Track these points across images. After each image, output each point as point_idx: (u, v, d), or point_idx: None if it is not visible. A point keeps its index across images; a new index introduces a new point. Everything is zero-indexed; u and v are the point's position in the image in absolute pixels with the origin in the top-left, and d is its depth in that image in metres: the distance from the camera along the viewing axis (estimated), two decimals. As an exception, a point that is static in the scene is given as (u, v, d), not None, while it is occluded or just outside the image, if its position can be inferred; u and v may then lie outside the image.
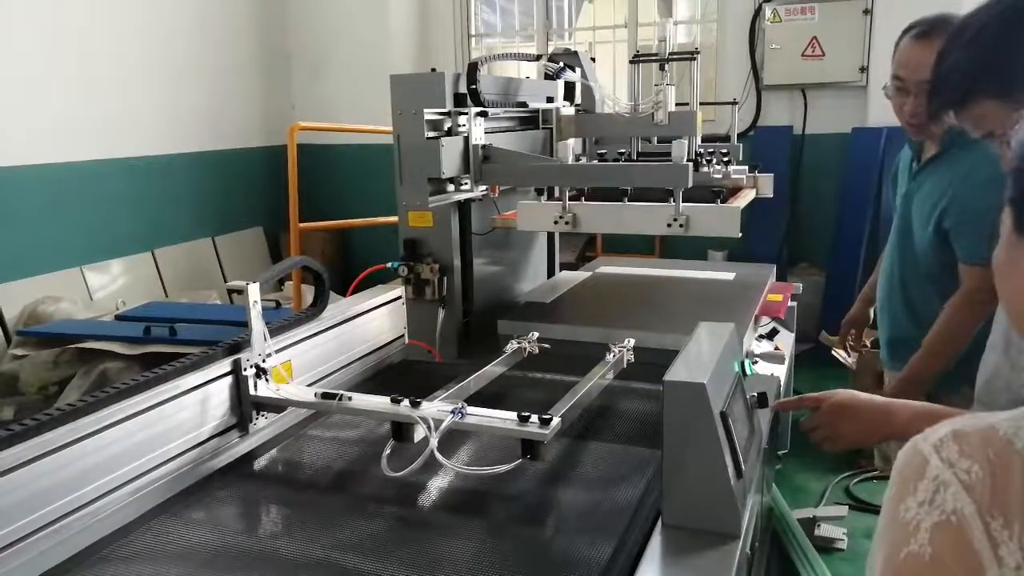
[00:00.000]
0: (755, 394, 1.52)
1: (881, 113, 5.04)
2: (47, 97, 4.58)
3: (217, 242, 5.79)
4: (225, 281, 5.44)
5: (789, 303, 2.86)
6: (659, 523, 1.31)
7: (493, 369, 1.90)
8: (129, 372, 3.17)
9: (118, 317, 3.89)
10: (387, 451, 1.49)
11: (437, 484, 1.55)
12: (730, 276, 2.98)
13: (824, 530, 3.07)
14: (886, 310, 2.40)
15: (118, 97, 5.00)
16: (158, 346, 3.25)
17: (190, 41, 5.52)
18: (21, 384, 3.65)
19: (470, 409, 1.51)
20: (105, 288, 4.89)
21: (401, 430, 1.52)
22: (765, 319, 2.70)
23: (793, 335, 2.93)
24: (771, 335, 2.69)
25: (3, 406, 3.81)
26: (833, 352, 3.69)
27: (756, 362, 2.36)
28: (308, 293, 3.30)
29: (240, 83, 5.99)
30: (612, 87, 5.53)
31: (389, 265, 2.42)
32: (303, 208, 4.12)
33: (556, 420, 1.44)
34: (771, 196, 2.83)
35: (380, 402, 1.58)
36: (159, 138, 5.32)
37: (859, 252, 5.12)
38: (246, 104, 6.05)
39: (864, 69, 5.20)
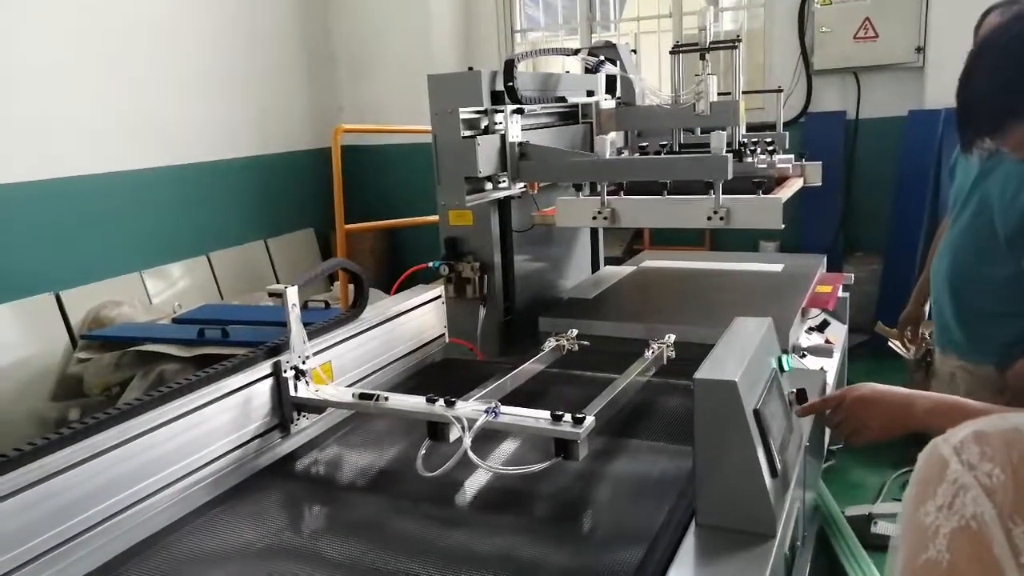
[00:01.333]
0: (794, 390, 1.48)
1: (939, 94, 4.86)
2: (106, 109, 4.73)
3: (269, 244, 5.92)
4: (277, 282, 5.55)
5: (840, 294, 2.79)
6: (693, 522, 1.29)
7: (531, 367, 1.89)
8: (184, 373, 3.25)
9: (174, 320, 4.00)
10: (423, 451, 1.50)
11: (472, 483, 1.55)
12: (778, 268, 2.92)
13: (881, 528, 2.98)
14: (951, 288, 2.31)
15: (173, 106, 5.14)
16: (211, 348, 3.33)
17: (239, 50, 5.64)
18: (85, 386, 3.79)
19: (504, 408, 1.51)
20: (163, 292, 5.04)
21: (437, 430, 1.52)
22: (815, 311, 2.63)
23: (846, 327, 2.86)
24: (822, 327, 2.63)
25: (70, 407, 3.97)
26: (890, 343, 3.58)
27: (804, 355, 2.31)
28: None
29: (288, 87, 6.10)
30: (658, 78, 5.46)
31: (431, 264, 2.44)
32: (354, 208, 4.18)
33: (590, 419, 1.43)
34: (819, 184, 2.75)
35: (416, 402, 1.59)
36: (212, 144, 5.45)
37: (917, 239, 4.95)
38: (294, 108, 6.16)
39: (920, 49, 5.02)
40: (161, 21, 5.06)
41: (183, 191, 5.25)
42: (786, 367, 1.49)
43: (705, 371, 1.28)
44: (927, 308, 2.74)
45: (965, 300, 2.26)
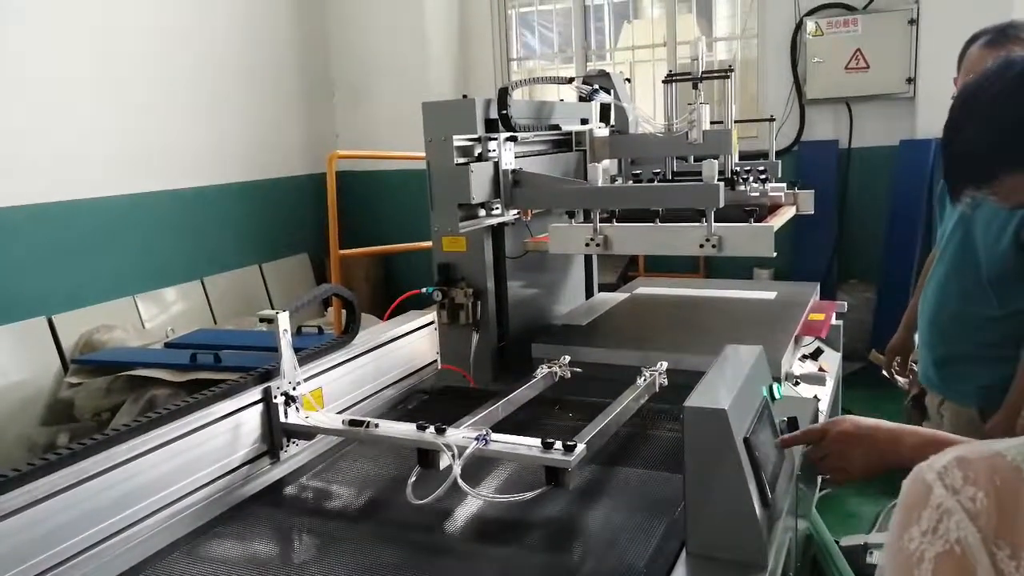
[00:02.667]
0: (785, 418, 1.48)
1: (930, 124, 4.91)
2: (100, 133, 4.75)
3: (264, 269, 5.91)
4: (272, 307, 5.54)
5: (833, 322, 2.79)
6: (683, 552, 1.28)
7: (523, 394, 1.89)
8: (175, 398, 3.24)
9: (167, 345, 3.99)
10: (412, 478, 1.49)
11: (463, 511, 1.54)
12: (771, 295, 2.92)
13: (876, 558, 2.95)
14: (934, 328, 2.27)
15: (168, 130, 5.16)
16: (203, 373, 3.32)
17: (237, 75, 5.69)
18: (76, 411, 3.77)
19: (494, 436, 1.50)
20: (157, 316, 5.03)
21: (427, 457, 1.51)
22: (808, 338, 2.64)
23: (840, 354, 2.85)
24: (815, 355, 2.62)
25: (60, 432, 3.93)
26: (884, 371, 3.57)
27: (797, 383, 2.30)
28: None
29: (285, 113, 6.14)
30: (652, 107, 5.51)
31: (424, 290, 2.44)
32: (350, 234, 4.19)
33: (580, 447, 1.43)
34: (812, 213, 2.77)
35: (406, 429, 1.58)
36: (207, 169, 5.47)
37: (911, 267, 4.97)
38: (291, 133, 6.19)
39: (911, 80, 5.08)
40: (158, 47, 5.10)
41: (178, 215, 5.26)
42: (777, 395, 1.49)
43: (695, 399, 1.27)
44: (917, 337, 2.72)
45: (948, 343, 2.21)
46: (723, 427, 1.21)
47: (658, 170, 2.70)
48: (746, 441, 1.24)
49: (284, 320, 1.70)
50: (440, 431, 1.53)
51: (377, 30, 6.33)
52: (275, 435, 1.72)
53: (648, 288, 3.17)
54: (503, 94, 2.24)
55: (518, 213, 2.39)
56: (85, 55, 4.67)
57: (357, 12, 6.37)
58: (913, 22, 5.01)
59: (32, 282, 4.39)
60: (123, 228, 4.91)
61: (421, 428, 1.55)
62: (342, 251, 4.14)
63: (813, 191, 2.72)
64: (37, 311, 4.38)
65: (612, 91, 2.80)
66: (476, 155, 2.22)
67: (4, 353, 4.19)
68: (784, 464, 1.43)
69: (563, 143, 2.74)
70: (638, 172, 2.85)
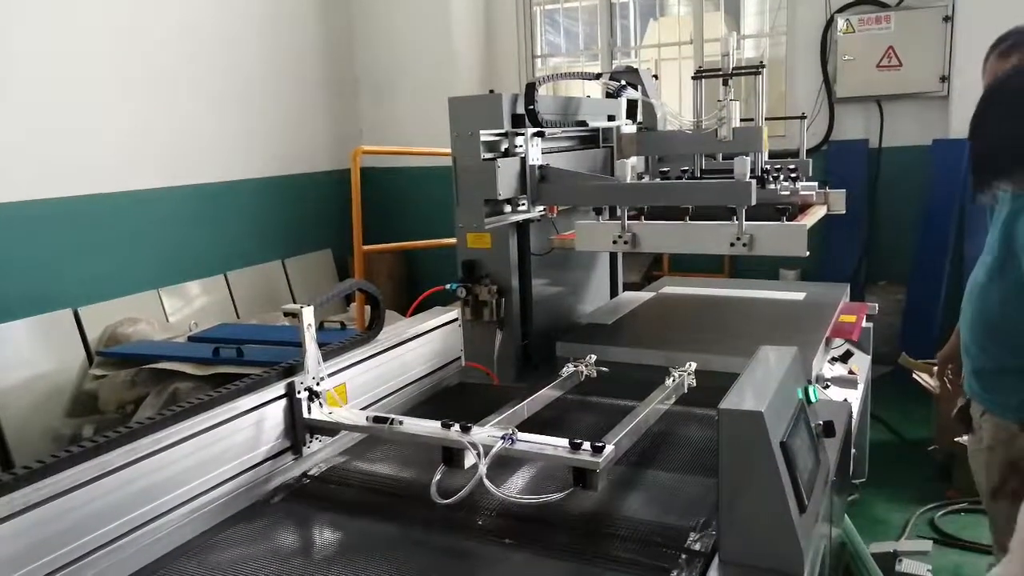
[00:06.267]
0: (821, 422, 1.44)
1: (964, 124, 4.79)
2: (126, 128, 4.78)
3: (287, 264, 5.92)
4: (294, 302, 5.56)
5: (864, 324, 2.74)
6: (716, 558, 1.24)
7: (548, 393, 1.86)
8: (198, 392, 3.23)
9: (190, 338, 4.00)
10: (437, 477, 1.46)
11: (488, 511, 1.51)
12: (800, 296, 2.87)
13: (906, 566, 2.89)
14: (975, 337, 2.16)
15: (193, 126, 5.18)
16: (226, 367, 3.32)
17: (263, 71, 5.70)
18: (101, 403, 3.78)
19: (520, 435, 1.47)
20: (181, 310, 5.06)
21: (452, 455, 1.49)
22: (838, 341, 2.58)
23: (870, 358, 2.80)
24: (845, 358, 2.57)
25: (85, 424, 3.96)
26: (915, 375, 3.50)
27: (828, 387, 2.26)
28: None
29: (309, 110, 6.14)
30: (678, 104, 5.46)
31: (448, 287, 2.42)
32: (372, 230, 4.17)
33: (610, 448, 1.39)
34: (843, 212, 2.71)
35: (431, 427, 1.56)
36: (232, 164, 5.49)
37: (942, 269, 4.88)
38: (315, 130, 6.20)
39: (945, 78, 4.98)
40: (184, 43, 5.12)
41: (202, 210, 5.28)
42: (813, 398, 1.44)
43: (730, 401, 1.24)
44: None
45: (988, 352, 2.11)
46: (759, 430, 1.18)
47: (686, 167, 2.66)
48: (783, 445, 1.21)
49: (309, 315, 1.68)
50: (465, 429, 1.50)
51: (402, 26, 6.32)
52: (298, 431, 1.70)
53: (674, 287, 3.13)
54: (530, 89, 2.21)
55: (544, 210, 2.37)
56: (110, 51, 4.69)
57: (382, 8, 6.37)
58: (948, 19, 4.91)
59: (58, 275, 4.42)
60: (148, 222, 4.94)
61: (446, 426, 1.53)
62: (365, 247, 4.13)
63: (844, 191, 2.66)
64: (63, 304, 4.41)
65: (640, 87, 2.77)
66: (503, 151, 2.20)
67: (31, 345, 4.22)
68: (819, 469, 1.39)
69: (590, 139, 2.71)
70: (666, 169, 2.81)
